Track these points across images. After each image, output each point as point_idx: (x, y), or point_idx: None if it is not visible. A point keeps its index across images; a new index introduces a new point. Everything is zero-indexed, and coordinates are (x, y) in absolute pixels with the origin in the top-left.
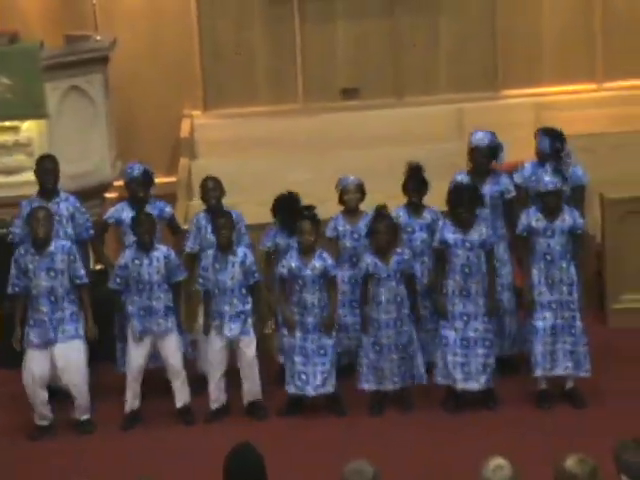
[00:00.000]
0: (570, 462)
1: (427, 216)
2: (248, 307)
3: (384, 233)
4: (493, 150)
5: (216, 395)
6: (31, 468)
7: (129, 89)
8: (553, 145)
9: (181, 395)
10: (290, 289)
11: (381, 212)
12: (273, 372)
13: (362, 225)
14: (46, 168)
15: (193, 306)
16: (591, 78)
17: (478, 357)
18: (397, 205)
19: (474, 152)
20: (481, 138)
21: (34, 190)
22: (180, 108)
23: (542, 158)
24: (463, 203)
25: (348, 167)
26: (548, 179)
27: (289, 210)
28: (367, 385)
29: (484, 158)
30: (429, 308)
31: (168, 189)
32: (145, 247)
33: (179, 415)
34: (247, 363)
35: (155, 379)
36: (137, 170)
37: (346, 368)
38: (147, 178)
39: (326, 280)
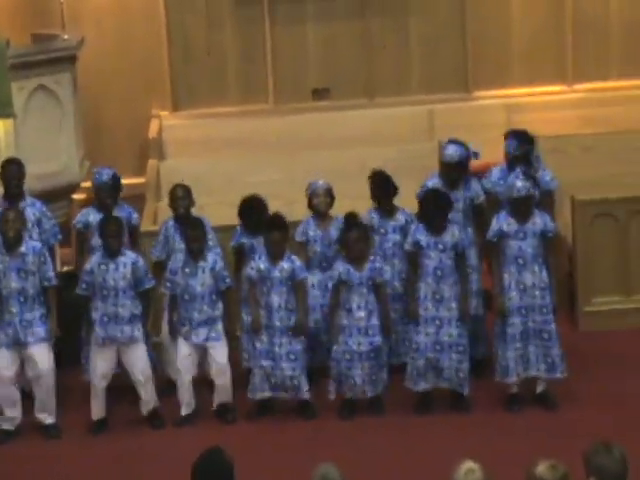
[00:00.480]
0: (541, 468)
1: (400, 217)
2: (218, 313)
3: (357, 242)
4: (464, 162)
5: (186, 400)
6: None
7: (96, 88)
8: (522, 148)
9: (148, 402)
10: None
11: (352, 220)
12: (241, 376)
13: (333, 230)
14: (11, 173)
15: (159, 310)
16: (561, 80)
17: (452, 362)
18: (369, 206)
19: (445, 167)
20: (451, 155)
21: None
22: (148, 108)
23: (510, 161)
24: (434, 209)
25: (318, 168)
26: (520, 184)
27: (254, 215)
28: (338, 393)
29: (454, 172)
30: (399, 311)
31: (136, 190)
32: (112, 252)
33: (148, 420)
34: (218, 369)
35: (124, 383)
36: (105, 176)
37: (317, 371)
38: (115, 185)
39: (294, 283)
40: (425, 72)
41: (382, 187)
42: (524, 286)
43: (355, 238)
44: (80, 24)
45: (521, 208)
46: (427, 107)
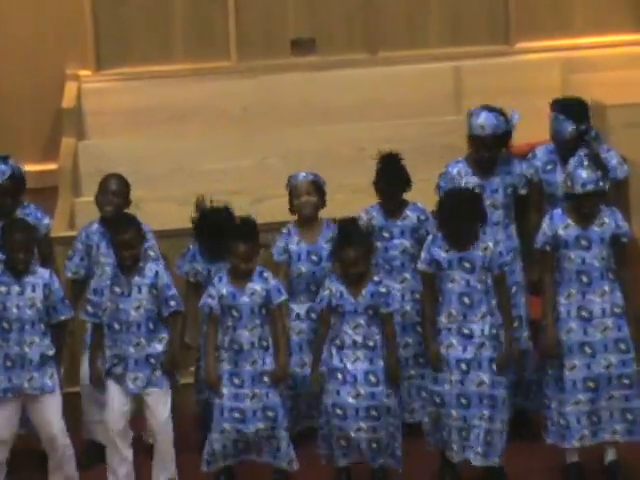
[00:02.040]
0: None
1: (410, 216)
2: (160, 348)
3: (353, 263)
4: (500, 137)
5: (122, 471)
6: None
7: None
8: (575, 128)
9: (62, 474)
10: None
11: (349, 231)
12: (195, 435)
13: (322, 241)
14: None
15: (77, 347)
16: (637, 27)
17: (482, 421)
18: (369, 202)
19: (474, 141)
20: (482, 124)
21: None
22: (62, 67)
23: (560, 144)
24: (460, 217)
25: (300, 150)
26: (586, 176)
27: (215, 234)
28: (329, 460)
29: (486, 151)
30: (412, 348)
31: (46, 180)
32: (16, 269)
33: None
34: (158, 428)
35: (27, 450)
36: (1, 176)
37: (304, 432)
38: (17, 185)
39: (269, 310)
40: (448, 16)
41: (393, 177)
42: (590, 314)
43: (352, 257)
44: None
45: (587, 208)
46: (451, 64)
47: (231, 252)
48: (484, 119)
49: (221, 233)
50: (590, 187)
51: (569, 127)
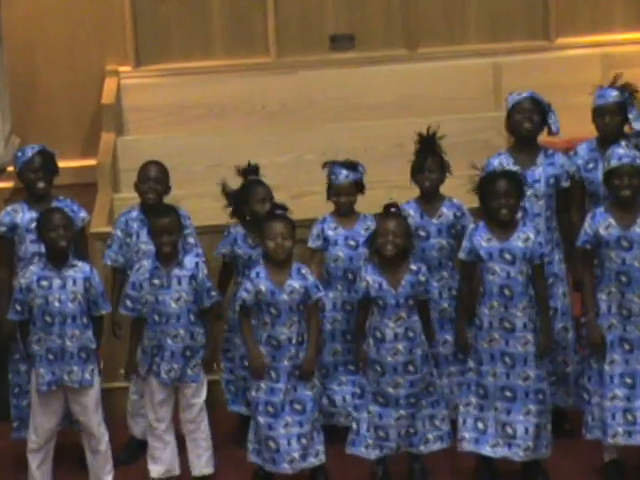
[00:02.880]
0: None
1: (447, 213)
2: (200, 340)
3: (394, 242)
4: (541, 110)
5: (166, 463)
6: None
7: (29, 36)
8: (618, 117)
9: (102, 468)
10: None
11: (390, 211)
12: (231, 427)
13: (359, 228)
14: None
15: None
16: None
17: (528, 416)
18: (406, 199)
19: (514, 112)
20: (524, 96)
21: None
22: (102, 64)
23: (603, 136)
24: (502, 196)
25: (339, 147)
26: (622, 151)
27: (255, 205)
28: (365, 451)
29: (526, 118)
30: (451, 345)
31: (85, 176)
32: (57, 262)
33: None
34: (193, 418)
35: (71, 443)
36: (30, 151)
37: (336, 427)
38: (46, 163)
39: (307, 306)
40: (487, 12)
41: (431, 157)
42: (629, 311)
43: (390, 235)
44: None
45: (623, 190)
46: (491, 60)
47: (267, 233)
48: (526, 94)
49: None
50: (626, 160)
51: (613, 93)
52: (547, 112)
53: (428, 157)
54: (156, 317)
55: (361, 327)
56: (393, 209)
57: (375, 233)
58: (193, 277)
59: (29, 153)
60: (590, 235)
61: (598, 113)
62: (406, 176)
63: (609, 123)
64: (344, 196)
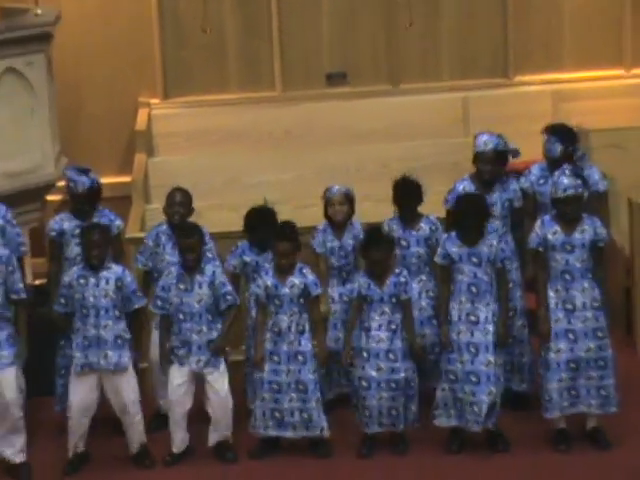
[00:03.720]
0: None
1: (424, 227)
2: (218, 334)
3: (379, 261)
4: (500, 155)
5: (179, 437)
6: None
7: (75, 72)
8: (562, 148)
9: (135, 437)
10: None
11: (375, 235)
12: (244, 407)
13: (348, 239)
14: None
15: (147, 331)
16: (618, 63)
17: (490, 396)
18: (391, 209)
19: (477, 158)
20: (485, 141)
21: None
22: (135, 95)
23: (551, 162)
24: (468, 216)
25: (334, 166)
26: (567, 182)
27: (261, 228)
28: (367, 428)
29: (487, 165)
30: (429, 337)
31: (121, 190)
32: (93, 265)
33: (134, 459)
34: (218, 401)
35: (104, 415)
36: (81, 186)
37: (337, 400)
38: (94, 194)
39: (307, 301)
40: (458, 54)
41: (408, 195)
42: (573, 306)
43: (377, 257)
44: None
45: (567, 211)
46: (460, 95)
47: (276, 251)
48: (487, 138)
49: (268, 223)
50: (570, 191)
51: (558, 148)
52: (508, 156)
53: (405, 196)
54: (181, 316)
55: (352, 323)
56: (375, 233)
57: (364, 254)
58: (212, 283)
59: (80, 187)
60: (541, 237)
61: (544, 152)
62: (390, 191)
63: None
64: (337, 205)
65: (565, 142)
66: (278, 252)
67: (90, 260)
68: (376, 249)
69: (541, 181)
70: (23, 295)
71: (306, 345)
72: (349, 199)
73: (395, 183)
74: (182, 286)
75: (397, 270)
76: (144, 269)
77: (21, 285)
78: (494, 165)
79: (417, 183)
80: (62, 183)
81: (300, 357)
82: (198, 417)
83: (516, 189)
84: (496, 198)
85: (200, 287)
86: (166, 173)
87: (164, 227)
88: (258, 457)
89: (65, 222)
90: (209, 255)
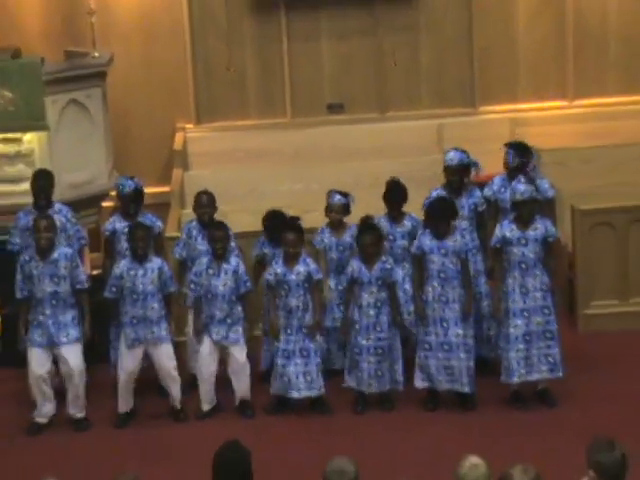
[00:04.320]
0: (516, 471)
1: (407, 224)
2: (237, 313)
3: (370, 245)
4: (464, 167)
5: (208, 396)
6: (25, 462)
7: (125, 103)
8: (518, 159)
9: (173, 396)
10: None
11: (367, 223)
12: (260, 372)
13: (347, 237)
14: (39, 186)
15: (183, 311)
16: (563, 96)
17: (460, 361)
18: (380, 213)
19: (446, 170)
20: (451, 157)
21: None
22: (174, 121)
23: (509, 171)
24: (438, 215)
25: (333, 179)
26: (523, 188)
27: (275, 226)
28: (351, 384)
29: (454, 176)
30: (412, 315)
31: (162, 198)
32: (139, 258)
33: (172, 414)
34: (238, 368)
35: (148, 378)
36: (128, 188)
37: (336, 371)
38: (138, 195)
39: (310, 284)
40: (434, 88)
41: (396, 194)
42: (526, 289)
43: (368, 241)
44: (109, 42)
45: (524, 212)
46: (436, 121)
47: (283, 240)
48: (452, 154)
49: (280, 224)
50: (526, 195)
51: (516, 159)
52: (470, 168)
53: (393, 195)
54: (209, 296)
55: (348, 302)
56: (368, 222)
57: (358, 240)
58: (235, 271)
59: (127, 188)
60: (499, 238)
61: (504, 164)
62: (380, 197)
63: (509, 168)
64: (336, 213)
65: (520, 154)
66: (286, 242)
67: (136, 252)
68: (367, 234)
69: (502, 190)
70: (85, 285)
71: (309, 320)
72: (347, 208)
73: (387, 184)
74: (211, 271)
75: (384, 258)
76: (180, 259)
77: (83, 277)
78: (460, 175)
79: (403, 186)
80: (114, 192)
81: (305, 329)
82: (224, 382)
83: (480, 196)
84: (464, 202)
85: (225, 274)
86: (198, 184)
87: (194, 223)
88: (271, 413)
89: (116, 223)
90: (232, 244)
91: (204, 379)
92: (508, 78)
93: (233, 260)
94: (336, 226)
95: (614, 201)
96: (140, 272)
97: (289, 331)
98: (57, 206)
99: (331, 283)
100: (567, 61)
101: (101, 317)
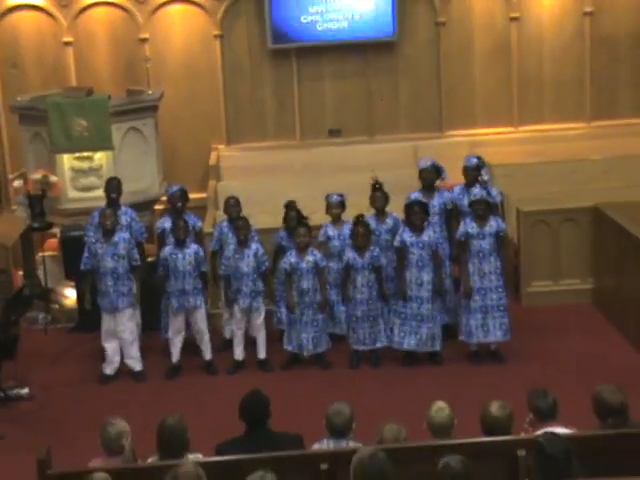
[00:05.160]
0: (494, 407)
1: (389, 222)
2: (259, 287)
3: (362, 236)
4: (436, 169)
5: (238, 350)
6: (97, 405)
7: (172, 129)
8: (477, 161)
9: (207, 352)
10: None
11: (360, 220)
12: (275, 335)
13: (345, 229)
14: (112, 184)
15: (216, 291)
16: (510, 123)
17: (431, 327)
18: (368, 215)
19: (421, 173)
20: (425, 161)
21: (102, 204)
22: (210, 143)
23: (467, 177)
24: (415, 214)
25: (333, 188)
26: (477, 191)
27: (291, 206)
28: (354, 346)
29: (429, 175)
30: (392, 289)
31: (200, 203)
32: (180, 244)
33: (206, 368)
34: (257, 328)
35: (189, 346)
36: (175, 187)
37: (335, 336)
38: (183, 193)
39: (317, 271)
40: (410, 117)
41: (380, 197)
42: (483, 273)
43: (361, 232)
44: (161, 83)
45: (478, 209)
46: (412, 143)
47: (296, 233)
48: (425, 159)
49: (298, 217)
50: (480, 196)
51: (474, 161)
52: (440, 172)
53: (379, 194)
54: (238, 275)
55: (345, 283)
56: (361, 219)
57: (352, 233)
58: (255, 254)
59: (174, 189)
60: (463, 232)
61: (463, 171)
62: (368, 206)
63: (468, 171)
64: (334, 209)
65: (477, 158)
66: (298, 234)
67: (178, 235)
68: (359, 226)
69: (460, 196)
70: (139, 262)
71: (319, 298)
72: (343, 204)
73: (372, 186)
74: (237, 255)
75: (372, 247)
76: (213, 250)
77: (137, 256)
78: (433, 175)
79: (384, 190)
80: (164, 197)
81: (315, 306)
82: (249, 345)
83: (448, 197)
84: (436, 202)
85: (248, 257)
86: (228, 192)
87: (225, 223)
88: (286, 369)
89: (165, 223)
90: (254, 235)
91: (237, 335)
92: (468, 110)
93: (253, 245)
94: (336, 221)
95: (550, 205)
96: (180, 255)
97: (302, 306)
98: (124, 208)
99: (334, 267)
100: (513, 97)
101: (154, 292)
